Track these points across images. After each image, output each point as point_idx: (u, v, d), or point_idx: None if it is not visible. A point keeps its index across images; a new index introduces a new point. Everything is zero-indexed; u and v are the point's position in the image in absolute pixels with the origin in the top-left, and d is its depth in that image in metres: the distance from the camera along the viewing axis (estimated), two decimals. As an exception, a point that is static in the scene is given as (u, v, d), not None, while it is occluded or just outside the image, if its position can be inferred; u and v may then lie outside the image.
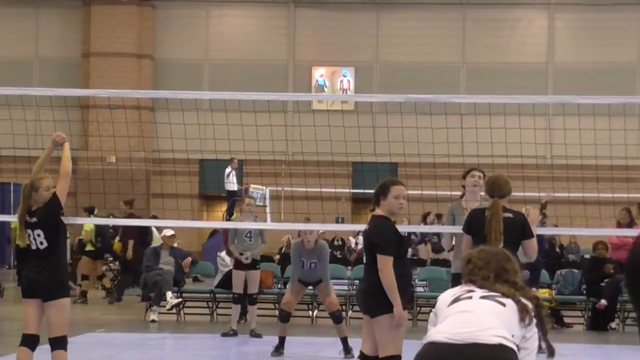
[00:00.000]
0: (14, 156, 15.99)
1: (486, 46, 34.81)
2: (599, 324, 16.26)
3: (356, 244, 29.89)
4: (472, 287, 4.93)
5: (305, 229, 12.87)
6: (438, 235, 21.01)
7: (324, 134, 15.00)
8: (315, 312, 16.45)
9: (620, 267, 16.25)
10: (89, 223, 19.55)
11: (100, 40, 34.78)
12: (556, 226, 19.61)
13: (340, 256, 27.84)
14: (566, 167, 24.10)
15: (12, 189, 29.04)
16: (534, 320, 4.79)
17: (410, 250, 21.26)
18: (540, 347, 4.87)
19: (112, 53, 34.59)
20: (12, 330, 13.14)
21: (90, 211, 20.91)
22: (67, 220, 8.87)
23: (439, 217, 22.75)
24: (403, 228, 11.76)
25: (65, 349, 8.35)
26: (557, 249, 24.88)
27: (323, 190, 19.50)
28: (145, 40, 35.42)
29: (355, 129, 14.91)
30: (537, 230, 9.01)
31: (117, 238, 20.85)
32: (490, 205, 8.63)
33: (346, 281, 18.07)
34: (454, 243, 9.81)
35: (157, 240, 21.27)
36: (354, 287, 17.37)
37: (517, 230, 8.53)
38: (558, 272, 17.84)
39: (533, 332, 4.80)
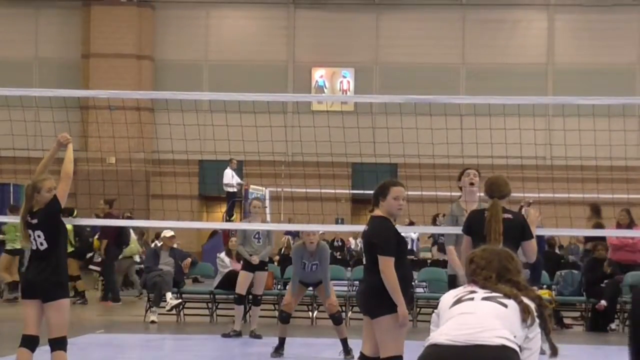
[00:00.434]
0: (14, 157, 15.96)
1: (486, 47, 34.83)
2: (598, 325, 16.25)
3: (357, 245, 29.94)
4: (474, 288, 4.92)
5: (306, 229, 12.84)
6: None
7: (323, 135, 14.98)
8: (315, 313, 16.43)
9: (620, 268, 16.26)
10: (91, 223, 19.51)
11: (100, 41, 34.81)
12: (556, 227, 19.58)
13: (340, 257, 27.84)
14: (566, 168, 24.13)
15: (11, 190, 29.00)
16: (537, 321, 4.79)
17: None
18: (541, 348, 4.86)
19: (112, 54, 34.61)
20: (12, 331, 13.11)
21: (70, 212, 20.83)
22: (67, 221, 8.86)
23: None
24: (403, 228, 11.74)
25: (65, 349, 8.35)
26: (557, 250, 24.84)
27: (323, 191, 19.50)
28: (145, 41, 35.44)
29: (355, 130, 14.89)
30: (537, 231, 9.01)
31: (96, 236, 20.83)
32: (490, 206, 8.62)
33: (346, 282, 18.08)
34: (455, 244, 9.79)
35: (133, 242, 21.33)
36: (354, 288, 17.37)
37: (517, 231, 8.52)
38: (558, 273, 17.81)
39: (536, 332, 4.79)
